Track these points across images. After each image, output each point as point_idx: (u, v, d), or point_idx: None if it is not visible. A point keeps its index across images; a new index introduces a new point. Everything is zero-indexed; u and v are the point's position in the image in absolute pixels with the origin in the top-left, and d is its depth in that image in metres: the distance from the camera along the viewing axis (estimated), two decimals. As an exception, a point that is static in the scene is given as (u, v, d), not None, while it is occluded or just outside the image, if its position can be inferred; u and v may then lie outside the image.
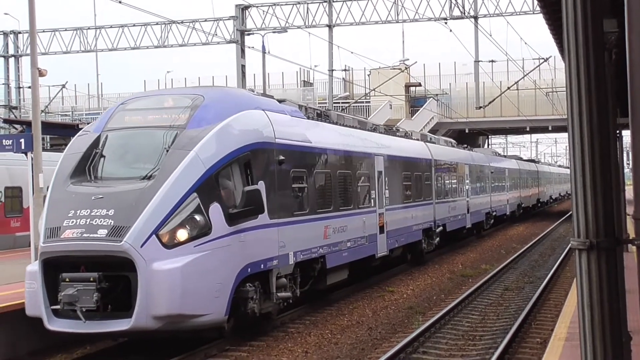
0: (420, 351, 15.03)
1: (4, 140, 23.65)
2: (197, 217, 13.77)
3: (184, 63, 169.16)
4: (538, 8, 11.73)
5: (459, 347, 15.51)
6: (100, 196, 13.77)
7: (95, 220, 13.34)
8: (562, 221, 54.34)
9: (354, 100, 55.32)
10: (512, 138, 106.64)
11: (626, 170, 38.91)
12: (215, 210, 14.05)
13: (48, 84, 51.12)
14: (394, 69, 53.18)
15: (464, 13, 47.94)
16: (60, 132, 28.80)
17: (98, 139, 15.20)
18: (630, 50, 3.73)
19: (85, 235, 13.22)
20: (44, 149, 22.61)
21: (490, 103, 46.34)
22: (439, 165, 31.37)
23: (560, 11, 3.91)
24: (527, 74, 45.75)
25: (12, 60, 56.86)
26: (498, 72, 56.57)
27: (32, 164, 20.66)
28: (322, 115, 20.78)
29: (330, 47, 48.93)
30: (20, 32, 55.73)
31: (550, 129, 63.60)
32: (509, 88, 46.46)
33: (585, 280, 3.88)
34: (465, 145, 43.37)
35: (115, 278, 13.31)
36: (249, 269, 14.85)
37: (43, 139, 24.06)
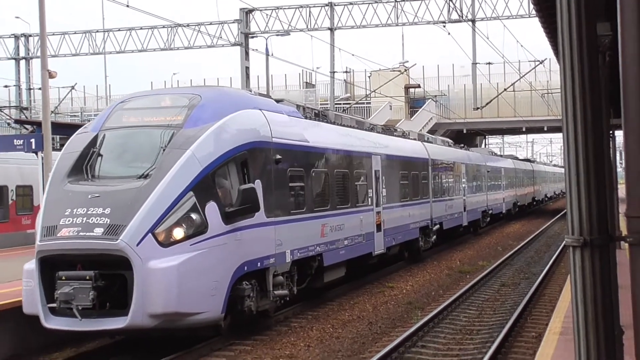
0: (419, 345, 15.04)
1: (15, 140, 23.70)
2: (194, 216, 13.53)
3: (190, 65, 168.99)
4: (534, 12, 11.72)
5: (457, 341, 15.52)
6: (97, 195, 13.53)
7: (92, 219, 13.10)
8: (557, 219, 54.34)
9: (355, 101, 55.33)
10: (508, 138, 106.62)
11: (619, 169, 38.89)
12: (212, 209, 13.81)
13: (58, 86, 51.14)
14: (394, 70, 53.20)
15: (462, 16, 47.92)
16: (69, 132, 28.58)
17: (95, 138, 14.94)
18: (623, 52, 3.73)
19: (81, 233, 12.99)
20: (53, 149, 22.58)
21: (487, 104, 46.28)
22: (435, 164, 31.18)
23: (555, 15, 3.91)
24: (523, 76, 45.77)
25: (22, 62, 56.94)
26: (495, 74, 56.54)
27: (42, 163, 20.68)
28: (319, 115, 20.60)
29: (332, 49, 48.95)
30: (30, 35, 55.77)
31: (545, 129, 63.61)
32: (505, 89, 46.45)
33: (579, 276, 3.88)
34: (462, 145, 43.28)
35: (112, 276, 13.07)
36: (246, 267, 14.62)
37: (53, 139, 24.03)
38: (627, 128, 3.76)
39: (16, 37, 56.35)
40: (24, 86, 57.29)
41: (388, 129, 28.40)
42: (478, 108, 47.15)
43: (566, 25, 3.84)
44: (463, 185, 36.81)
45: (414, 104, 60.31)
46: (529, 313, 18.08)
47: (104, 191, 13.65)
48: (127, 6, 30.94)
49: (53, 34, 51.80)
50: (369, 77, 59.65)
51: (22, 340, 14.68)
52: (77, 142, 15.10)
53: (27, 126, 35.28)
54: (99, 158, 14.63)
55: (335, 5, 48.96)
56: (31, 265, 13.50)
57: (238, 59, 48.41)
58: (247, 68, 47.36)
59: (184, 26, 49.79)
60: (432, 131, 52.43)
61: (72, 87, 46.19)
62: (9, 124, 38.67)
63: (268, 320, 16.69)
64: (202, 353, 14.40)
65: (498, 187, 47.93)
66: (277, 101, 18.27)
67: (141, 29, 51.52)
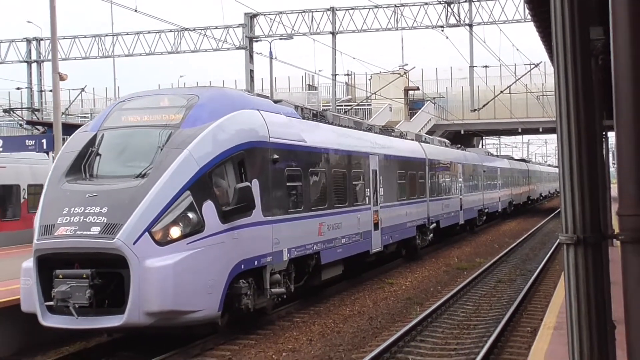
0: (418, 339, 15.03)
1: (27, 141, 23.73)
2: (190, 215, 13.28)
3: (196, 68, 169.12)
4: (529, 17, 11.71)
5: (455, 335, 15.51)
6: (94, 194, 13.26)
7: (89, 218, 12.83)
8: (552, 217, 54.30)
9: (356, 103, 55.37)
10: (505, 139, 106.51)
11: (612, 169, 38.84)
12: (209, 208, 13.57)
13: (68, 88, 51.31)
14: (394, 73, 53.21)
15: (460, 21, 47.92)
16: (79, 133, 28.73)
17: (94, 137, 14.67)
18: (615, 56, 3.73)
19: (78, 232, 12.72)
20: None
21: (484, 106, 46.31)
22: (432, 164, 30.97)
23: (550, 19, 3.91)
24: (519, 79, 45.74)
25: (34, 65, 56.98)
26: (492, 76, 56.50)
27: (53, 163, 20.66)
28: (318, 116, 20.30)
29: (333, 53, 48.95)
30: (42, 39, 55.83)
31: (540, 130, 63.49)
32: (502, 92, 46.44)
33: (572, 273, 3.88)
34: (459, 145, 43.18)
35: (109, 275, 12.80)
36: (243, 266, 14.38)
37: (63, 139, 24.01)
38: (619, 129, 3.76)
39: (28, 41, 56.39)
40: (35, 88, 57.33)
41: (386, 130, 28.13)
42: (475, 110, 47.21)
43: (560, 30, 3.83)
44: (459, 184, 36.60)
45: (413, 106, 60.30)
46: (524, 308, 18.07)
47: (101, 190, 13.40)
48: (135, 11, 31.00)
49: (64, 38, 51.83)
50: (370, 79, 59.67)
51: (31, 334, 14.57)
52: (75, 142, 14.87)
53: (38, 127, 35.31)
54: (97, 157, 14.39)
55: (337, 10, 48.98)
56: (29, 263, 13.22)
57: (243, 62, 48.47)
58: (252, 71, 47.38)
59: (191, 30, 49.83)
60: (430, 132, 52.41)
61: (82, 89, 46.16)
62: (21, 125, 38.62)
63: (270, 316, 16.58)
64: (207, 347, 14.36)
65: (494, 187, 47.85)
66: (275, 102, 18.06)
67: (149, 32, 51.53)
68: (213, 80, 74.82)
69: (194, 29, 49.96)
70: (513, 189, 56.56)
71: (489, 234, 42.13)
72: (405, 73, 54.72)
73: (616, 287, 5.22)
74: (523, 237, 37.85)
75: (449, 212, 33.74)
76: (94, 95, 64.83)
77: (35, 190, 28.33)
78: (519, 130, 65.39)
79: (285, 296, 16.51)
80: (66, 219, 12.96)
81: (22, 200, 27.83)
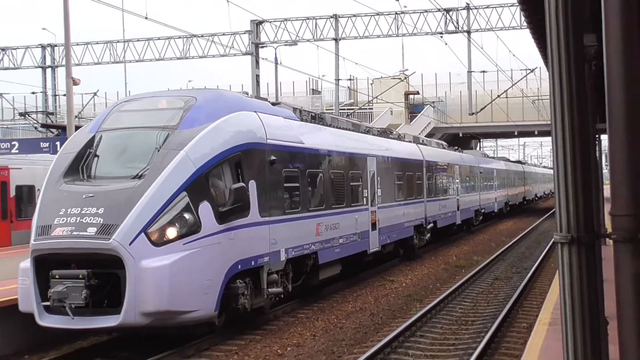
0: (418, 335, 15.02)
1: (41, 143, 23.78)
2: (187, 216, 12.93)
3: (204, 73, 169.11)
4: (525, 24, 11.71)
5: (453, 331, 15.50)
6: (91, 195, 12.93)
7: (85, 219, 12.51)
8: (547, 217, 54.22)
9: (358, 107, 55.38)
10: (501, 141, 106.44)
11: (604, 170, 38.82)
12: (205, 209, 13.20)
13: (81, 92, 51.25)
14: (395, 78, 53.27)
15: (458, 28, 47.89)
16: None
17: (92, 139, 14.31)
18: (608, 62, 3.73)
19: (75, 233, 12.41)
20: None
21: (482, 110, 46.34)
22: (430, 165, 30.67)
23: (545, 26, 3.91)
24: (515, 83, 45.74)
25: (49, 70, 57.03)
26: (489, 81, 56.46)
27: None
28: (316, 118, 19.93)
29: (336, 58, 48.95)
30: (56, 45, 55.87)
31: (536, 133, 63.50)
32: (498, 96, 46.42)
33: (567, 271, 3.88)
34: (456, 147, 43.04)
35: (105, 275, 12.48)
36: (240, 266, 14.04)
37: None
38: (612, 132, 3.76)
39: (43, 47, 56.45)
40: (49, 92, 57.36)
41: (384, 132, 27.73)
42: (473, 113, 47.19)
43: (555, 36, 3.84)
44: (456, 185, 36.33)
45: (413, 110, 60.30)
46: (520, 305, 18.05)
47: (98, 191, 13.08)
48: (146, 18, 31.02)
49: (77, 44, 51.88)
50: (371, 84, 59.69)
51: (37, 332, 14.33)
52: (74, 143, 14.52)
53: (52, 130, 35.40)
54: (95, 159, 14.06)
55: (339, 17, 48.96)
56: (26, 263, 12.92)
57: (249, 67, 48.45)
58: (258, 76, 47.38)
59: (199, 37, 49.84)
60: (430, 135, 52.37)
61: (95, 94, 46.28)
62: (36, 127, 38.71)
63: (268, 315, 16.30)
64: (213, 342, 14.33)
65: (490, 187, 47.70)
66: (274, 104, 17.71)
67: (159, 39, 51.54)
68: (220, 85, 74.92)
69: (202, 36, 49.98)
70: (509, 190, 56.45)
71: (487, 233, 42.09)
72: (405, 78, 54.71)
73: (609, 284, 5.22)
74: (519, 237, 37.80)
75: (446, 212, 33.43)
76: (105, 99, 64.81)
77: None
78: (515, 133, 65.42)
79: (282, 296, 16.18)
80: (63, 220, 12.67)
81: (36, 200, 27.83)
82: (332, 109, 51.70)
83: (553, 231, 4.02)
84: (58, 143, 22.66)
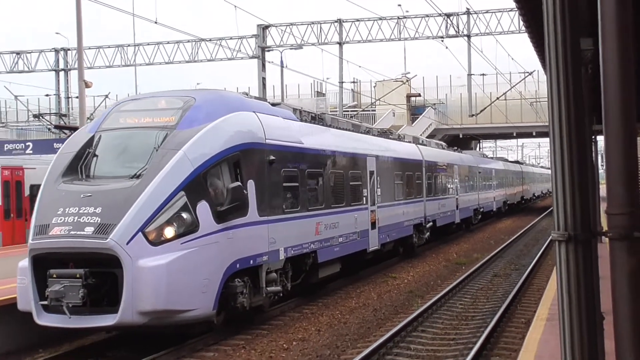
0: (419, 330, 15.03)
1: (55, 144, 23.78)
2: (184, 215, 12.62)
3: (212, 76, 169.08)
4: (524, 28, 11.70)
5: (454, 326, 15.50)
6: (89, 194, 12.63)
7: (83, 218, 12.23)
8: (544, 216, 54.18)
9: (361, 109, 55.32)
10: (500, 142, 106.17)
11: (600, 170, 38.73)
12: (203, 208, 12.89)
13: (93, 95, 51.26)
14: (397, 81, 53.21)
15: (458, 32, 47.85)
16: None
17: (92, 139, 14.04)
18: (604, 65, 3.73)
19: (72, 232, 12.12)
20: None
21: (481, 111, 46.29)
22: (429, 165, 30.36)
23: (543, 31, 3.92)
24: (514, 86, 45.71)
25: (62, 73, 57.11)
26: (488, 84, 56.37)
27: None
28: (316, 119, 19.63)
29: (340, 62, 48.95)
30: (69, 49, 55.93)
31: (534, 134, 63.45)
32: (498, 98, 46.39)
33: (564, 268, 3.88)
34: (456, 148, 42.90)
35: (102, 274, 12.20)
36: (238, 265, 13.71)
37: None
38: (608, 133, 3.76)
39: (56, 51, 56.52)
40: (63, 95, 57.43)
41: (384, 132, 27.39)
42: (473, 115, 47.14)
43: (553, 41, 3.84)
44: (455, 185, 36.04)
45: (415, 111, 60.25)
46: (518, 301, 18.04)
47: (96, 191, 12.78)
48: (156, 23, 31.03)
49: (89, 48, 51.93)
50: (374, 86, 59.63)
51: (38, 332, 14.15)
52: (73, 143, 14.23)
53: (65, 131, 35.38)
54: (94, 158, 13.77)
55: (343, 21, 48.96)
56: (25, 262, 12.67)
57: (256, 70, 48.47)
58: (264, 79, 47.38)
59: (207, 41, 49.87)
60: (431, 136, 52.34)
61: (106, 96, 46.28)
62: (49, 129, 38.79)
63: (267, 313, 16.09)
64: (220, 337, 14.31)
65: (489, 187, 47.55)
66: (273, 105, 17.44)
67: (168, 43, 51.59)
68: (228, 87, 74.92)
69: (210, 40, 50.01)
70: (507, 189, 56.35)
71: (486, 231, 42.05)
72: (407, 80, 54.69)
73: (605, 281, 5.21)
74: (517, 235, 37.78)
75: (445, 211, 33.12)
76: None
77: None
78: (514, 134, 65.33)
79: (282, 294, 15.81)
80: (60, 219, 12.40)
81: None
82: (337, 111, 51.69)
83: (550, 229, 4.02)
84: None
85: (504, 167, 56.08)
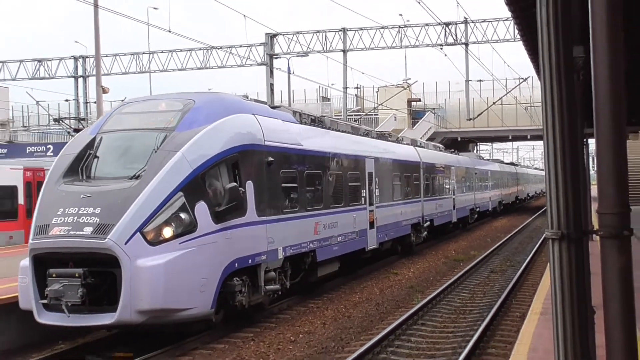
0: (420, 323, 15.02)
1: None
2: (183, 215, 12.31)
3: (223, 82, 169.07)
4: (519, 36, 11.69)
5: (452, 319, 15.49)
6: (89, 195, 12.34)
7: (82, 218, 11.95)
8: (538, 215, 54.09)
9: (365, 113, 55.37)
10: (497, 145, 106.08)
11: (592, 172, 38.68)
12: (201, 209, 12.57)
13: (110, 100, 51.45)
14: (398, 86, 53.23)
15: (457, 40, 47.84)
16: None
17: (93, 140, 13.74)
18: (595, 72, 3.73)
19: (71, 232, 11.85)
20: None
21: (478, 116, 46.22)
22: (427, 167, 30.09)
23: (537, 39, 3.92)
24: (510, 91, 45.60)
25: (80, 80, 57.23)
26: (485, 89, 56.34)
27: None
28: (316, 121, 19.27)
29: (344, 68, 48.96)
30: (87, 57, 56.04)
31: (528, 137, 63.30)
32: (494, 103, 46.29)
33: (557, 264, 3.88)
34: (453, 150, 42.81)
35: (101, 274, 11.93)
36: (236, 264, 13.38)
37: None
38: (598, 136, 3.76)
39: (75, 59, 56.65)
40: (81, 100, 57.55)
41: (382, 135, 26.94)
42: (470, 119, 47.06)
43: (546, 48, 3.84)
44: (452, 185, 35.78)
45: (415, 115, 60.23)
46: (514, 296, 18.02)
47: (95, 191, 12.48)
48: (169, 31, 31.10)
49: (106, 56, 52.04)
50: (377, 92, 59.66)
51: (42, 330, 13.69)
52: (75, 145, 13.93)
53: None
54: (95, 159, 13.48)
55: (347, 30, 48.97)
56: (26, 262, 12.43)
57: (264, 76, 48.49)
58: (272, 84, 47.39)
59: (218, 48, 49.94)
60: (431, 139, 52.27)
61: (122, 101, 46.38)
62: (68, 132, 38.82)
63: (266, 312, 15.81)
64: (228, 331, 14.28)
65: (485, 188, 47.41)
66: (273, 107, 17.17)
67: (181, 50, 51.65)
68: (237, 92, 74.88)
69: (221, 47, 50.06)
70: (503, 190, 56.23)
71: (483, 230, 42.00)
72: (408, 86, 54.65)
73: (596, 277, 5.21)
74: (512, 233, 37.72)
75: (443, 211, 32.85)
76: (132, 106, 64.86)
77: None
78: (510, 137, 65.30)
79: (280, 293, 15.46)
80: (60, 219, 12.13)
81: None
82: (341, 115, 51.69)
83: (544, 228, 4.02)
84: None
85: (499, 168, 55.98)
